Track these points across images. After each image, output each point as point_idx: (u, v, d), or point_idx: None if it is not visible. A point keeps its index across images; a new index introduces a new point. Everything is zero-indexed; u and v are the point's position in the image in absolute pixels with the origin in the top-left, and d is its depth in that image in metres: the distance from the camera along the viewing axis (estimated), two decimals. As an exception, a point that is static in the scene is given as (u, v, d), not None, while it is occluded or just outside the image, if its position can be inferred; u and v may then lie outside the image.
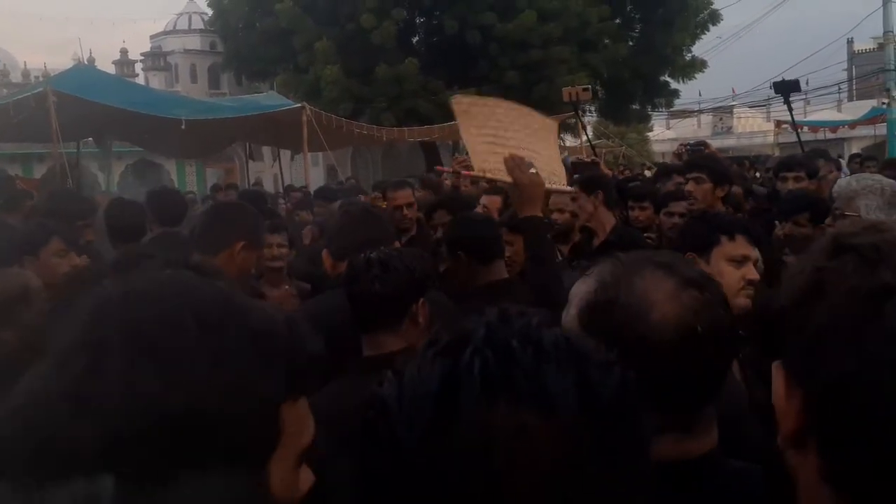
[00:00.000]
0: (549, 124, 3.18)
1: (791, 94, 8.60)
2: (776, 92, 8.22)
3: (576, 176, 5.22)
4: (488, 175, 2.75)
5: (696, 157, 4.95)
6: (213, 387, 0.74)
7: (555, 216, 4.21)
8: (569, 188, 3.49)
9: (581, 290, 1.30)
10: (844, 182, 3.49)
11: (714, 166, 4.46)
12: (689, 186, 4.31)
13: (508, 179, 2.65)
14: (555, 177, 2.91)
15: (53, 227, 3.46)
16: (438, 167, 5.61)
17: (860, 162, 10.31)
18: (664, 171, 6.72)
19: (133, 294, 0.79)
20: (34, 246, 3.27)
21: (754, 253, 2.60)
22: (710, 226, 2.58)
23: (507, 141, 2.79)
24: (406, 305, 2.09)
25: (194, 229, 3.12)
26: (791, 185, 4.89)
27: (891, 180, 3.41)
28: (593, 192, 4.22)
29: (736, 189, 5.06)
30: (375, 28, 20.51)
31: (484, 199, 4.51)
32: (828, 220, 3.49)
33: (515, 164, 2.60)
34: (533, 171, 2.62)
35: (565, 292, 2.44)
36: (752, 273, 2.53)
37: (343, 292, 2.16)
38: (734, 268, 2.52)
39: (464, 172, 3.22)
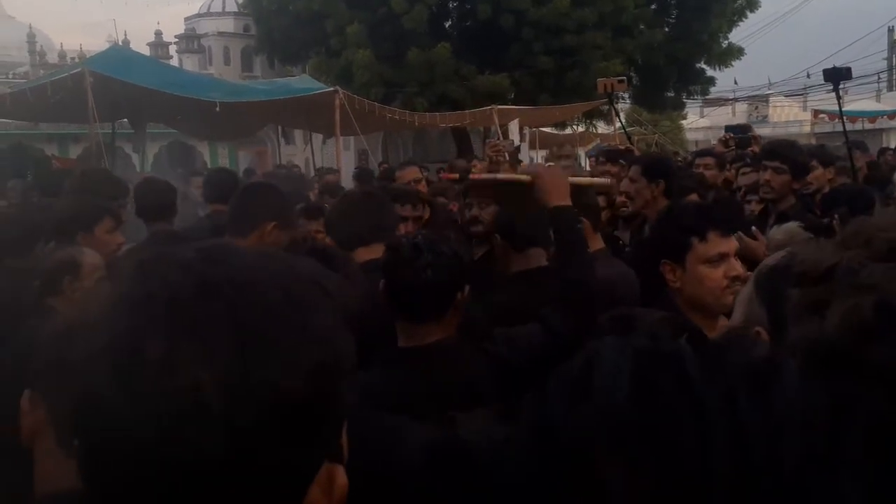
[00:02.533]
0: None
1: (840, 86, 8.40)
2: (826, 79, 8.01)
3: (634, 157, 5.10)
4: (500, 176, 2.69)
5: (774, 145, 4.64)
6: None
7: (620, 199, 4.13)
8: (601, 179, 3.38)
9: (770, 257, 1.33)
10: None
11: (795, 156, 4.24)
12: (768, 175, 4.14)
13: (525, 177, 2.54)
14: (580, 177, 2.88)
15: (106, 206, 3.56)
16: (445, 175, 5.55)
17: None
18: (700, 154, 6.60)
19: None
20: (89, 223, 3.37)
21: (732, 244, 2.51)
22: (676, 230, 2.48)
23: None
24: (454, 294, 2.05)
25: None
26: (769, 175, 4.63)
27: None
28: (654, 181, 4.03)
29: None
30: (407, 12, 20.42)
31: None
32: (877, 208, 3.38)
33: (530, 165, 2.57)
34: (551, 164, 2.59)
35: (597, 283, 2.41)
36: (735, 268, 2.43)
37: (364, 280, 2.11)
38: (713, 269, 2.42)
39: (472, 177, 3.13)
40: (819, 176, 4.76)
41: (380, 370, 1.98)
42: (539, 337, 2.18)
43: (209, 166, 27.09)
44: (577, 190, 2.57)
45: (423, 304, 2.03)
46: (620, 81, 13.48)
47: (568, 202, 2.45)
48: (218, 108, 12.69)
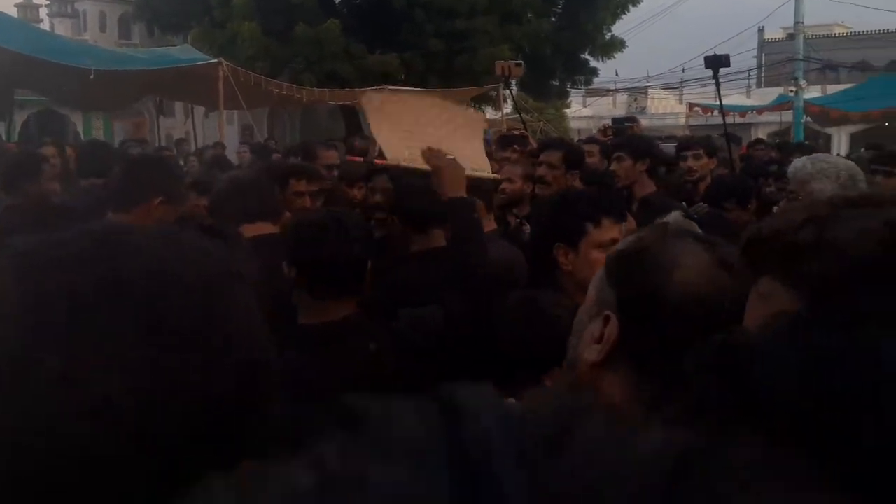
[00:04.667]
0: (474, 118, 3.17)
1: (718, 74, 8.85)
2: (706, 66, 8.46)
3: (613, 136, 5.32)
4: (404, 164, 2.72)
5: (617, 139, 5.07)
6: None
7: (504, 185, 4.19)
8: (493, 175, 3.43)
9: (621, 242, 1.36)
10: (800, 163, 3.41)
11: (634, 143, 4.53)
12: (613, 166, 4.36)
13: (426, 167, 2.63)
14: (477, 167, 2.91)
15: None
16: (349, 157, 5.52)
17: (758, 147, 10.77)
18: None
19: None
20: None
21: (621, 230, 2.62)
22: (573, 216, 2.55)
23: (425, 137, 2.77)
24: (366, 269, 2.05)
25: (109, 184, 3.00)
26: (691, 161, 5.07)
27: (848, 162, 3.35)
28: (640, 159, 4.16)
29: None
30: (297, -15, 20.01)
31: None
32: (781, 203, 3.52)
33: (433, 153, 2.60)
34: (451, 157, 2.62)
35: (490, 265, 2.46)
36: None
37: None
38: (605, 253, 2.54)
39: (377, 161, 3.15)
40: (703, 165, 4.99)
41: (284, 349, 1.94)
42: (440, 317, 2.20)
43: (83, 137, 25.81)
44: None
45: (345, 279, 2.01)
46: (517, 65, 13.66)
47: (463, 193, 2.56)
48: (93, 76, 12.08)
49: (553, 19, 23.95)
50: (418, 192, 2.86)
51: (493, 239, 3.38)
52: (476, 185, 3.17)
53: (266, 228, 2.42)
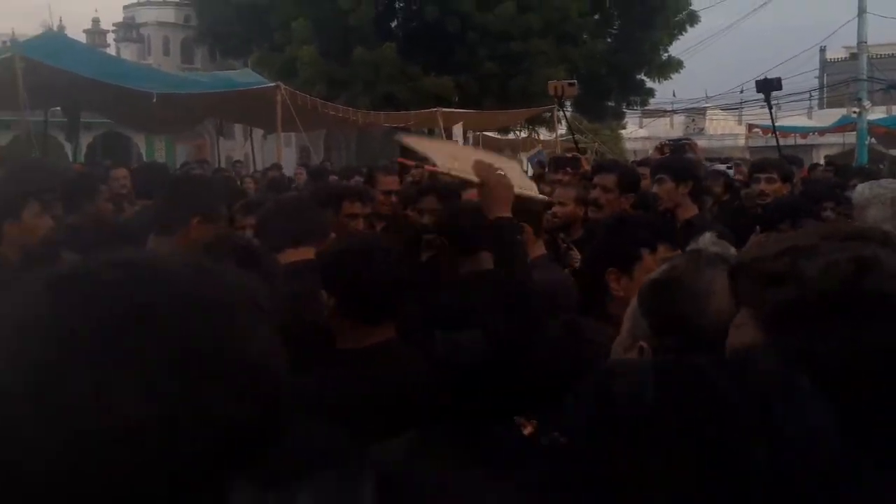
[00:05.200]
0: (513, 164, 3.17)
1: (770, 97, 8.67)
2: (758, 90, 8.30)
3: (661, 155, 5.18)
4: (454, 172, 2.70)
5: (658, 162, 4.91)
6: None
7: (556, 209, 4.14)
8: (541, 196, 3.39)
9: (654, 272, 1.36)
10: (860, 189, 3.34)
11: (676, 165, 4.42)
12: (654, 188, 4.26)
13: (475, 179, 2.59)
14: (524, 188, 2.88)
15: (32, 189, 3.40)
16: (400, 159, 5.46)
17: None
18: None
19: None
20: (14, 209, 3.21)
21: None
22: (629, 241, 2.49)
23: (472, 157, 2.76)
24: (404, 294, 2.05)
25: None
26: (763, 185, 4.91)
27: None
28: (683, 181, 4.08)
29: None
30: (353, 10, 20.31)
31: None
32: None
33: (484, 165, 2.57)
34: (501, 172, 2.58)
35: (537, 288, 2.42)
36: None
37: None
38: None
39: (427, 168, 3.14)
40: (776, 189, 4.87)
41: (322, 373, 1.94)
42: (481, 342, 2.17)
43: (145, 159, 26.51)
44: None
45: (383, 304, 2.01)
46: (571, 85, 13.62)
47: (508, 214, 2.52)
48: (155, 100, 12.41)
49: (609, 40, 23.86)
50: (466, 214, 2.84)
51: (542, 263, 3.34)
52: (525, 209, 3.14)
53: (309, 253, 2.40)
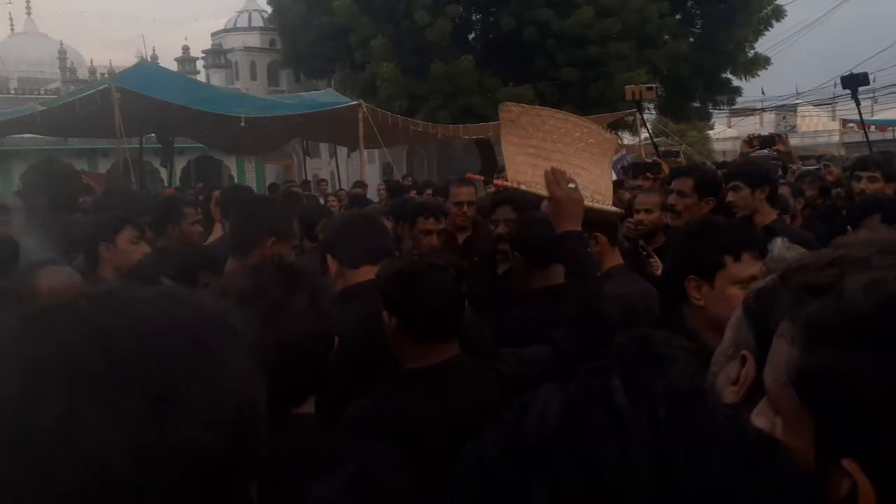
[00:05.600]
0: (607, 140, 3.06)
1: (859, 91, 8.25)
2: (844, 87, 7.88)
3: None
4: (523, 187, 2.66)
5: (731, 167, 4.70)
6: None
7: (640, 216, 4.06)
8: (613, 208, 3.33)
9: (760, 280, 1.34)
10: None
11: (748, 170, 4.27)
12: (730, 196, 4.13)
13: (545, 193, 2.55)
14: (598, 195, 2.81)
15: (126, 217, 3.57)
16: (469, 174, 5.38)
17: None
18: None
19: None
20: (110, 233, 3.38)
21: (761, 268, 2.44)
22: (712, 247, 2.38)
23: (551, 154, 2.69)
24: (464, 310, 2.05)
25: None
26: (864, 184, 4.69)
27: None
28: (759, 187, 3.98)
29: (782, 190, 4.89)
30: (430, 25, 20.49)
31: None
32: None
33: (555, 177, 2.52)
34: (572, 185, 2.53)
35: (604, 302, 2.38)
36: None
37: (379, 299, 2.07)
38: (742, 291, 2.37)
39: (496, 182, 3.11)
40: (879, 188, 4.65)
41: (387, 393, 1.95)
42: (548, 357, 2.15)
43: (236, 180, 27.35)
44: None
45: (443, 322, 2.01)
46: (649, 89, 13.40)
47: (578, 228, 2.48)
48: (243, 123, 12.81)
49: (692, 39, 23.36)
50: (540, 226, 2.82)
51: (619, 273, 3.29)
52: (599, 219, 3.08)
53: (372, 273, 2.40)
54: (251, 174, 29.51)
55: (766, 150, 6.90)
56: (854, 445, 0.71)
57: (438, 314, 1.98)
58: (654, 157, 8.10)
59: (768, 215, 4.00)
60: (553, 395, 0.64)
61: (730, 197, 4.06)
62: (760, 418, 0.86)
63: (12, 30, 39.78)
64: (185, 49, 37.61)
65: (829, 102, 37.30)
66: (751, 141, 7.37)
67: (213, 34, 39.03)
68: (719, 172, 5.52)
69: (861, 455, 0.70)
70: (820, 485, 0.71)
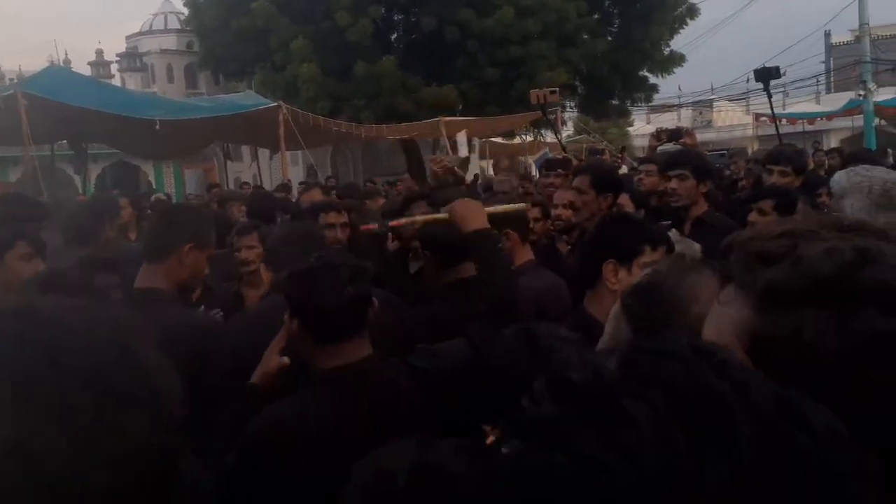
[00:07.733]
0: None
1: (770, 85, 8.54)
2: (756, 79, 8.17)
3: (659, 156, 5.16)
4: (419, 219, 2.82)
5: (677, 154, 4.79)
6: None
7: (558, 211, 4.11)
8: (515, 206, 3.36)
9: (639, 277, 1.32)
10: (837, 177, 3.23)
11: (697, 162, 4.38)
12: (674, 184, 4.22)
13: (442, 216, 2.69)
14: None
15: (21, 230, 3.37)
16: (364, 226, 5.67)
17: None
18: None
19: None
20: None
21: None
22: (633, 233, 2.47)
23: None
24: (368, 307, 2.03)
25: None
26: (776, 178, 4.82)
27: (883, 176, 3.10)
28: (704, 180, 4.15)
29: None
30: (351, 25, 20.37)
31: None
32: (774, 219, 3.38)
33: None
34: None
35: (522, 296, 2.42)
36: None
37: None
38: None
39: (391, 223, 3.19)
40: (789, 182, 4.79)
41: (306, 394, 1.93)
42: (465, 351, 2.14)
43: (154, 186, 26.71)
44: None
45: (344, 321, 1.99)
46: (552, 93, 13.72)
47: (485, 225, 2.55)
48: (158, 127, 12.50)
49: (609, 39, 23.81)
50: (447, 227, 2.83)
51: (530, 269, 3.31)
52: (509, 216, 3.11)
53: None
54: (170, 179, 28.87)
55: (671, 144, 7.08)
56: None
57: (331, 312, 1.96)
58: (565, 155, 8.23)
59: (702, 206, 4.15)
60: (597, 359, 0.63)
61: (673, 184, 4.16)
62: None
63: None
64: (99, 53, 36.64)
65: (742, 97, 38.53)
66: (658, 135, 7.56)
67: (129, 37, 38.04)
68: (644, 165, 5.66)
69: None
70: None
